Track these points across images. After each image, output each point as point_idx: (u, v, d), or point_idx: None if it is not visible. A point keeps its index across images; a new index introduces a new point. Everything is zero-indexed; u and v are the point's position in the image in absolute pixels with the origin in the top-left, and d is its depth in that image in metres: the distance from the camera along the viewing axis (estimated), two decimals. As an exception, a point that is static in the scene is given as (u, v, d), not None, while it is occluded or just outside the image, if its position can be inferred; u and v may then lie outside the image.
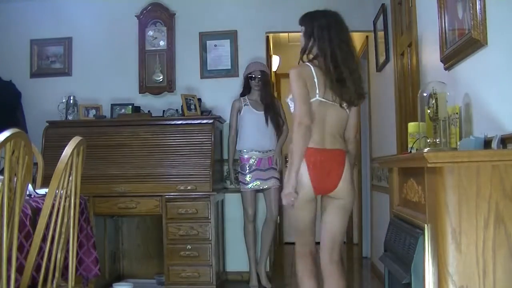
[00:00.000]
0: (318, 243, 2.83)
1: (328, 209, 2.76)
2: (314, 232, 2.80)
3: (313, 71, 2.66)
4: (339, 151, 2.70)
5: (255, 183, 4.44)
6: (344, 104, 2.69)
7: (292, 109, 2.70)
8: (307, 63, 2.71)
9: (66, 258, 2.39)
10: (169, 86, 4.91)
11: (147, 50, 4.94)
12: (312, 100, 2.64)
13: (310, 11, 2.81)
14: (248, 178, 4.43)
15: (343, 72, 2.65)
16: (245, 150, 4.48)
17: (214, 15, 4.97)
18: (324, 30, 2.70)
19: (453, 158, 1.73)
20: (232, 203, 4.82)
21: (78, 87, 4.92)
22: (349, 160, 2.77)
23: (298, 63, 2.77)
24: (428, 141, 2.20)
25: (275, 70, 6.70)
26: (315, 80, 2.64)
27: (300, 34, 2.83)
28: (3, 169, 1.81)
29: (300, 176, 2.63)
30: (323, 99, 2.65)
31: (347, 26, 2.81)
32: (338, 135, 2.72)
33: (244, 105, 4.51)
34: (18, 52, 5.05)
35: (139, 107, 4.87)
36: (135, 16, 4.94)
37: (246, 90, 4.59)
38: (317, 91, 2.64)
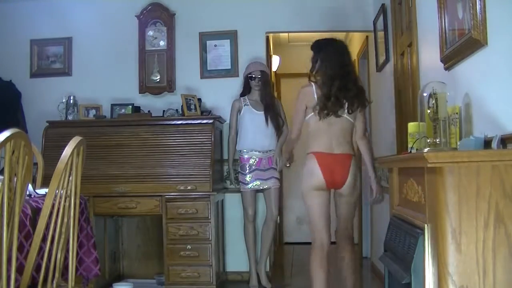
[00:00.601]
0: (333, 243, 3.33)
1: (338, 204, 3.37)
2: (325, 226, 3.26)
3: (314, 89, 3.28)
4: (345, 155, 3.25)
5: (255, 183, 4.44)
6: (340, 113, 3.23)
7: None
8: (312, 83, 3.32)
9: (66, 258, 2.39)
10: (169, 86, 4.91)
11: (147, 50, 4.93)
12: (313, 113, 3.26)
13: (319, 39, 3.42)
14: (248, 178, 4.43)
15: (339, 89, 3.21)
16: (245, 150, 4.48)
17: (214, 15, 4.97)
18: (326, 56, 3.30)
19: (453, 158, 1.73)
20: (232, 203, 4.82)
21: (78, 87, 4.92)
22: (364, 161, 3.44)
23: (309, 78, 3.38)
24: (428, 141, 2.20)
25: (275, 70, 6.70)
26: (315, 96, 3.25)
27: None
28: (3, 169, 1.81)
29: (313, 169, 3.21)
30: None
31: (349, 51, 3.44)
32: (344, 140, 3.26)
33: (244, 105, 4.52)
34: (18, 52, 5.05)
35: (139, 107, 4.87)
36: (135, 16, 4.94)
37: (246, 90, 4.60)
38: (317, 106, 3.26)
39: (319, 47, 3.38)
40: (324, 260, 3.22)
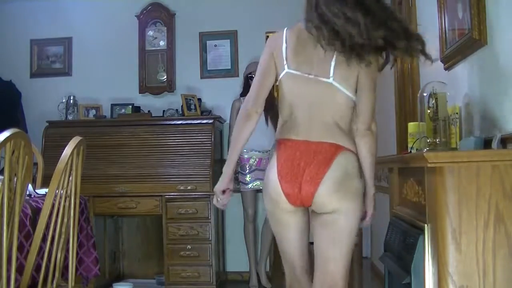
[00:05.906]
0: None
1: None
2: None
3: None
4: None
5: (255, 183, 4.43)
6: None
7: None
8: None
9: (66, 258, 2.39)
10: (169, 86, 4.90)
11: (147, 50, 4.93)
12: None
13: None
14: (248, 178, 4.43)
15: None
16: (245, 150, 4.47)
17: (214, 15, 4.96)
18: None
19: (453, 158, 1.73)
20: (232, 203, 4.79)
21: (78, 87, 4.92)
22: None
23: None
24: (428, 141, 2.20)
25: (275, 70, 6.70)
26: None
27: None
28: (3, 169, 1.81)
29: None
30: None
31: None
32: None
33: (244, 105, 4.51)
34: (18, 52, 5.04)
35: (139, 107, 4.87)
36: (135, 16, 4.93)
37: (246, 90, 4.59)
38: None
39: None
40: None
